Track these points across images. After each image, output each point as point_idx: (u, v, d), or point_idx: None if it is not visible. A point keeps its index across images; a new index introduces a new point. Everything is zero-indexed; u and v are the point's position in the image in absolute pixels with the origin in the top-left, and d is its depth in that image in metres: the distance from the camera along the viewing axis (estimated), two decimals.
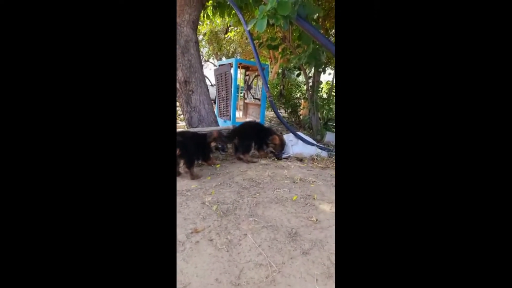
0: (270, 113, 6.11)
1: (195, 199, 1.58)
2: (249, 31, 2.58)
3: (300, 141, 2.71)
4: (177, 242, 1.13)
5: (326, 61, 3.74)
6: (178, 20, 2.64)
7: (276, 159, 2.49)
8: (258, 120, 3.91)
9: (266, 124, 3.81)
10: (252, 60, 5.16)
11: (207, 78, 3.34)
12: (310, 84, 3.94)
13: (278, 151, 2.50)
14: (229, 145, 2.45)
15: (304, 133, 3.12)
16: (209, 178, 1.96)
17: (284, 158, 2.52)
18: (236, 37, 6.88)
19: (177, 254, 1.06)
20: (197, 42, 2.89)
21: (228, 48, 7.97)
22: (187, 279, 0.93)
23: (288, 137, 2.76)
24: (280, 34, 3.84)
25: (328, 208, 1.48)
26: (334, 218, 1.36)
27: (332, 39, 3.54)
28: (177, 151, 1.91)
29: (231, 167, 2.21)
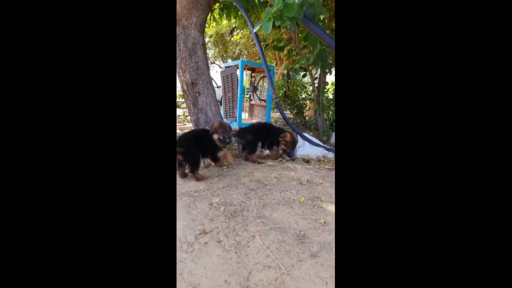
0: (275, 115, 6.11)
1: (202, 200, 1.59)
2: (255, 33, 2.59)
3: (306, 143, 2.69)
4: (186, 243, 1.14)
5: (332, 62, 3.72)
6: (186, 23, 2.67)
7: (283, 160, 2.49)
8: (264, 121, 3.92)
9: None
10: (258, 61, 5.18)
11: (213, 80, 3.36)
12: (316, 85, 3.92)
13: (290, 149, 2.47)
14: (233, 137, 2.36)
15: (310, 134, 3.11)
16: (216, 179, 1.97)
17: (290, 160, 2.51)
18: (242, 39, 6.92)
19: (186, 255, 1.07)
20: (204, 45, 2.92)
21: (234, 50, 8.01)
22: (197, 280, 0.94)
23: None
24: (286, 36, 3.84)
25: None
26: None
27: None
28: (180, 157, 1.89)
29: (238, 168, 2.22)
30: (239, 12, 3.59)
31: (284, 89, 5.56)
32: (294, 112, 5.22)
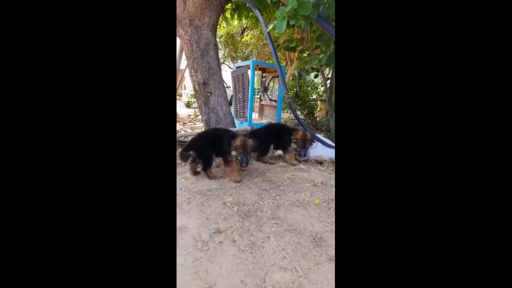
0: (285, 115, 6.07)
1: (216, 199, 1.58)
2: (268, 33, 2.57)
3: (319, 144, 2.65)
4: (201, 242, 1.14)
5: None
6: (198, 23, 2.70)
7: (298, 162, 2.43)
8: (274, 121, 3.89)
9: None
10: (268, 62, 5.16)
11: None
12: (328, 85, 3.86)
13: (300, 148, 2.33)
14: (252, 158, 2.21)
15: (322, 135, 3.06)
16: (228, 178, 1.96)
17: (303, 161, 2.47)
18: (253, 40, 6.93)
19: (201, 254, 1.06)
20: (216, 45, 2.94)
21: (244, 50, 8.04)
22: (213, 279, 0.93)
23: None
24: (297, 36, 3.81)
25: None
26: None
27: None
28: (193, 153, 1.91)
29: (250, 169, 2.20)
30: (251, 13, 3.59)
31: (295, 89, 5.52)
32: (305, 113, 5.17)
